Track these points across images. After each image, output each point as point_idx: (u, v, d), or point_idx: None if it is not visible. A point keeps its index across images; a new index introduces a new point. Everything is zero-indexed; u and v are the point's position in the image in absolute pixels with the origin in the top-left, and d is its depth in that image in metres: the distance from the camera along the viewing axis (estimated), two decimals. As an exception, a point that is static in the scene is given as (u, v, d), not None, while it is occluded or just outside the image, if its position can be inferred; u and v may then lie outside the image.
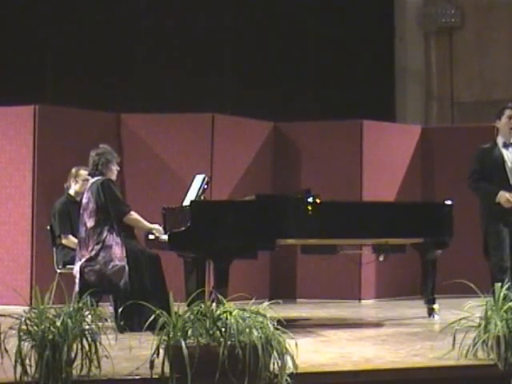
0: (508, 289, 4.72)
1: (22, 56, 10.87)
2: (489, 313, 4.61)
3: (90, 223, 6.42)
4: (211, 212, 6.46)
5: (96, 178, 6.56)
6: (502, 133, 6.69)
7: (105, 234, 6.36)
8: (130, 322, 5.93)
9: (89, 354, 4.18)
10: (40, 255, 8.02)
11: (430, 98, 12.18)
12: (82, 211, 6.54)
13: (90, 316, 4.33)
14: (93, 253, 6.34)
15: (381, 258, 7.47)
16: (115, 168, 6.63)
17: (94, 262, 6.31)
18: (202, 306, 4.22)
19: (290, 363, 4.19)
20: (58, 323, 4.10)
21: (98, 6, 11.17)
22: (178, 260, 7.20)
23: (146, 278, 6.30)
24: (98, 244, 6.35)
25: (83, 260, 6.36)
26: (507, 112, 6.65)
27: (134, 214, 6.52)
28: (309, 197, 6.56)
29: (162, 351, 4.14)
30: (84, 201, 6.54)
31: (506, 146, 6.63)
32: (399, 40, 12.30)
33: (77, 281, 6.33)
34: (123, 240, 6.40)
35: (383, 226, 6.93)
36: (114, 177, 6.64)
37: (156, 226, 6.66)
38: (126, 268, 6.24)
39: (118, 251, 6.31)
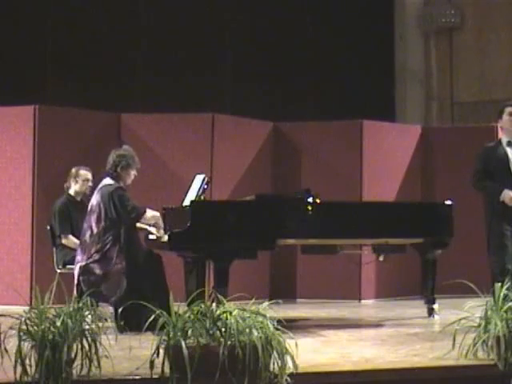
0: (508, 289, 4.72)
1: (22, 56, 10.87)
2: (489, 313, 4.61)
3: (96, 228, 6.35)
4: (211, 212, 6.47)
5: (108, 182, 6.46)
6: (506, 131, 6.68)
7: (108, 246, 6.29)
8: (130, 321, 5.92)
9: (89, 353, 4.18)
10: (40, 255, 8.02)
11: (430, 98, 12.19)
12: (89, 211, 6.44)
13: (90, 316, 4.33)
14: (90, 260, 6.29)
15: (381, 258, 7.47)
16: (133, 173, 6.55)
17: (91, 272, 6.25)
18: (202, 306, 4.22)
19: (290, 363, 4.19)
20: (58, 323, 4.10)
21: (97, 5, 11.17)
22: (178, 260, 7.19)
23: (146, 282, 6.24)
24: (97, 252, 6.29)
25: (81, 265, 6.33)
26: (508, 110, 6.63)
27: (147, 212, 6.44)
28: (309, 197, 6.56)
29: (161, 351, 4.14)
30: (93, 202, 6.44)
31: (510, 144, 6.61)
32: (399, 40, 12.31)
33: (76, 282, 6.31)
34: (125, 248, 6.35)
35: (383, 225, 6.93)
36: (129, 181, 6.56)
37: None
38: (124, 282, 6.19)
39: (118, 263, 6.24)
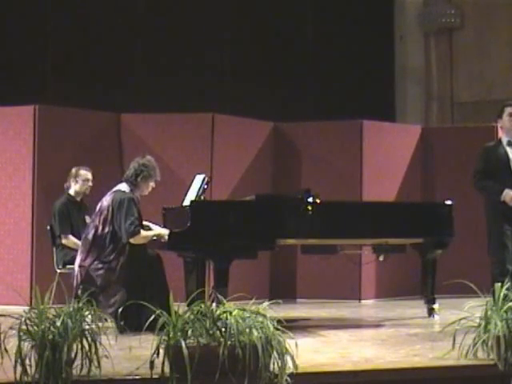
0: (508, 289, 4.72)
1: (22, 56, 10.87)
2: (489, 313, 4.61)
3: (101, 230, 6.32)
4: (211, 212, 6.47)
5: (124, 189, 6.43)
6: (506, 131, 6.68)
7: (112, 256, 6.26)
8: (129, 321, 5.91)
9: (89, 353, 4.18)
10: (40, 255, 8.02)
11: (430, 98, 12.19)
12: (97, 210, 6.42)
13: (90, 316, 4.33)
14: (92, 268, 6.25)
15: (381, 258, 7.47)
16: (151, 185, 6.53)
17: (92, 282, 6.18)
18: (202, 306, 4.22)
19: (290, 363, 4.19)
20: (58, 323, 4.10)
21: (97, 5, 11.17)
22: (178, 260, 7.20)
23: (146, 293, 6.16)
24: (99, 260, 6.25)
25: (83, 272, 6.28)
26: (507, 110, 6.63)
27: (141, 233, 6.33)
28: (309, 197, 6.56)
29: (161, 351, 4.14)
30: (104, 203, 6.40)
31: (510, 144, 6.61)
32: (399, 40, 12.31)
33: (74, 285, 6.29)
34: (130, 259, 6.27)
35: (383, 226, 6.93)
36: (146, 192, 6.54)
37: (163, 231, 6.50)
38: (125, 296, 6.12)
39: (121, 275, 6.21)
